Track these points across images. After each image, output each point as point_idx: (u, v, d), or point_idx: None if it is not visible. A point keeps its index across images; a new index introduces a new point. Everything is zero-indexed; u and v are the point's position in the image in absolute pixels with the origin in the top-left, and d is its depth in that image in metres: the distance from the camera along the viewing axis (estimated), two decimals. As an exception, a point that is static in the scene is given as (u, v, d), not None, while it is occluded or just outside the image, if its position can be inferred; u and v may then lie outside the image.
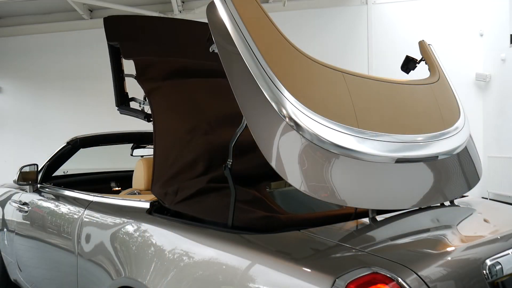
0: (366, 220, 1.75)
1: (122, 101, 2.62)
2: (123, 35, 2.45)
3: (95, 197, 2.46)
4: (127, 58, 2.38)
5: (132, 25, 2.56)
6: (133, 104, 2.66)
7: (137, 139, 3.56)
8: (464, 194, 2.19)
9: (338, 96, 1.72)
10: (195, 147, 1.93)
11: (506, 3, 7.51)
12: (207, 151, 1.89)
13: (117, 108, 2.61)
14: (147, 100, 2.42)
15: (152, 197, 2.14)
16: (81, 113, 9.11)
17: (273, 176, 1.61)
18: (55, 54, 9.29)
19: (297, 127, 1.53)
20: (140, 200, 2.12)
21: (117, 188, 3.50)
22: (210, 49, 1.77)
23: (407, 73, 2.48)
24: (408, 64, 2.45)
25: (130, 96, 2.67)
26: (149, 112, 2.37)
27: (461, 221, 1.93)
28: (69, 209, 2.60)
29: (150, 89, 2.19)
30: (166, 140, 2.05)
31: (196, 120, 2.06)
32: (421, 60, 2.43)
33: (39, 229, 2.83)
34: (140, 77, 2.25)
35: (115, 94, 2.61)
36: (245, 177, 1.83)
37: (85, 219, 2.33)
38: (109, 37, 2.44)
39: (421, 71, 2.51)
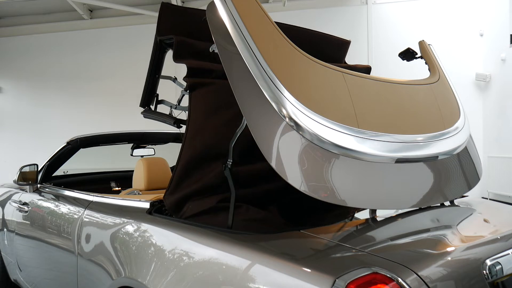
0: (366, 220, 1.75)
1: (149, 101, 2.30)
2: (180, 31, 2.00)
3: (95, 197, 2.46)
4: (178, 60, 1.93)
5: (194, 20, 2.05)
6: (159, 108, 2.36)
7: (137, 139, 3.56)
8: (464, 194, 2.19)
9: (338, 96, 1.72)
10: (222, 175, 1.74)
11: (506, 3, 7.51)
12: (232, 181, 1.76)
13: (141, 111, 2.30)
14: (179, 104, 2.18)
15: (152, 197, 2.14)
16: (81, 113, 9.12)
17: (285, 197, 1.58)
18: (55, 54, 9.30)
19: (297, 127, 1.53)
20: (140, 200, 2.12)
21: (117, 188, 3.50)
22: (210, 49, 1.77)
23: (402, 60, 2.50)
24: (406, 55, 2.47)
25: (159, 98, 2.35)
26: (178, 117, 2.13)
27: (461, 221, 1.93)
28: (69, 209, 2.60)
29: (196, 83, 1.88)
30: (197, 150, 1.85)
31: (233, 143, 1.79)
32: (420, 57, 2.44)
33: (39, 229, 2.82)
34: (189, 78, 1.91)
35: (144, 92, 2.27)
36: (257, 200, 1.83)
37: (85, 219, 2.33)
38: (161, 29, 2.03)
39: (421, 71, 2.51)
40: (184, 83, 2.03)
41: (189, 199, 1.84)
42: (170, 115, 2.23)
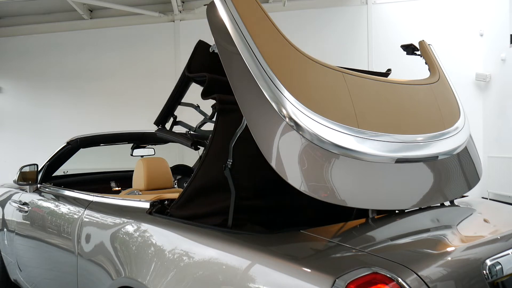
0: (366, 220, 1.75)
1: (165, 121, 2.24)
2: (211, 68, 1.92)
3: (95, 197, 2.46)
4: (208, 97, 1.86)
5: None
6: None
7: (137, 139, 3.56)
8: (464, 194, 2.19)
9: (338, 96, 1.72)
10: (234, 205, 1.73)
11: (506, 3, 7.51)
12: (241, 209, 1.77)
13: (155, 130, 2.25)
14: (199, 128, 2.13)
15: (152, 197, 2.14)
16: (81, 113, 9.12)
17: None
18: (55, 54, 9.30)
19: (297, 127, 1.53)
20: (140, 200, 2.12)
21: (117, 188, 3.50)
22: (210, 49, 1.77)
23: (403, 50, 2.52)
24: (408, 48, 2.50)
25: (177, 119, 2.27)
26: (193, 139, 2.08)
27: (461, 221, 1.93)
28: (69, 209, 2.60)
29: (226, 110, 1.80)
30: (213, 177, 1.80)
31: (253, 180, 1.80)
32: (419, 54, 2.45)
33: (39, 229, 2.83)
34: (220, 104, 1.82)
35: (162, 111, 2.21)
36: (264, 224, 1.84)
37: (85, 219, 2.33)
38: (192, 67, 1.97)
39: (421, 71, 2.51)
40: (205, 111, 2.02)
41: (196, 217, 1.84)
42: (186, 136, 2.17)
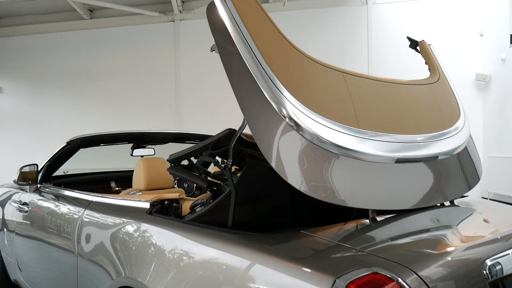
0: (366, 220, 1.75)
1: (180, 161, 2.23)
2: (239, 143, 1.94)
3: (95, 197, 2.46)
4: (236, 165, 1.92)
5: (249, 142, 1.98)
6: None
7: (137, 139, 3.56)
8: (464, 194, 2.19)
9: (338, 96, 1.72)
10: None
11: (506, 3, 7.51)
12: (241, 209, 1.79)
13: (168, 168, 2.27)
14: (214, 174, 2.17)
15: (152, 197, 2.14)
16: (81, 113, 9.13)
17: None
18: (55, 54, 9.30)
19: (297, 127, 1.53)
20: (140, 200, 2.12)
21: (117, 188, 3.50)
22: (210, 49, 1.77)
23: (408, 40, 2.55)
24: (412, 42, 2.53)
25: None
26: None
27: (461, 221, 1.93)
28: (69, 209, 2.60)
29: (254, 164, 1.81)
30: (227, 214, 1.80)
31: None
32: (419, 52, 2.46)
33: (39, 229, 2.83)
34: (248, 158, 1.84)
35: (180, 156, 2.22)
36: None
37: (85, 219, 2.33)
38: (218, 144, 1.99)
39: (421, 71, 2.52)
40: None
41: None
42: (201, 178, 2.18)
